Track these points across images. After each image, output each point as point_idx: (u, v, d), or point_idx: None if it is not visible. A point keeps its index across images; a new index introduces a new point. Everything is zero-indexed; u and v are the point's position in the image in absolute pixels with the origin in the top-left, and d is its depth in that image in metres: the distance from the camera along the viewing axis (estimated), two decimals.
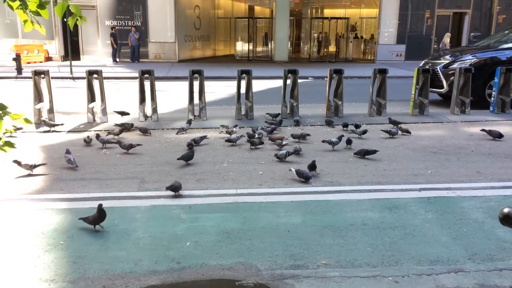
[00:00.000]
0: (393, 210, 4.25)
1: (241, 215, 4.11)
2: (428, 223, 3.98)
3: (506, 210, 1.50)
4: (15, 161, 5.23)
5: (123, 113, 8.34)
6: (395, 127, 7.05)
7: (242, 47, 26.23)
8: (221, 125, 7.80)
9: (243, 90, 8.58)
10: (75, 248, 3.49)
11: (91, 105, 8.25)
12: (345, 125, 7.77)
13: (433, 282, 3.07)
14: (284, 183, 5.02)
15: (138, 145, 6.34)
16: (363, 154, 6.03)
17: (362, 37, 27.28)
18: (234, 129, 7.44)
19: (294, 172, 5.07)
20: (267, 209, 4.27)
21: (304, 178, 5.00)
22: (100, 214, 3.74)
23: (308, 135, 7.08)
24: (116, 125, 7.63)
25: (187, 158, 5.72)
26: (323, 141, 6.59)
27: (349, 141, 6.56)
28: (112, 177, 5.20)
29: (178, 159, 5.70)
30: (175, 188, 4.54)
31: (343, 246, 3.56)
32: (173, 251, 3.46)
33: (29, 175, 5.18)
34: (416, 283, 3.05)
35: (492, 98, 9.28)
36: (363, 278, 3.11)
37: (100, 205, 3.76)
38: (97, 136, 6.68)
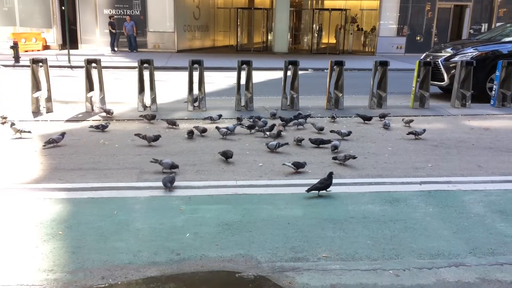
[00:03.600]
0: (393, 203, 4.23)
1: (241, 207, 4.08)
2: (428, 216, 3.96)
3: None
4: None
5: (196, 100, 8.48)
6: (422, 129, 7.00)
7: (241, 37, 26.08)
8: (237, 118, 7.55)
9: (243, 81, 8.52)
10: (74, 238, 3.46)
11: (89, 94, 8.18)
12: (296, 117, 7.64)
13: (434, 276, 3.05)
14: (284, 175, 4.99)
15: (62, 134, 6.07)
16: (319, 143, 6.07)
17: (362, 29, 27.12)
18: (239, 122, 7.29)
19: (290, 165, 5.03)
20: (267, 201, 4.24)
21: (297, 167, 5.01)
22: (330, 179, 4.32)
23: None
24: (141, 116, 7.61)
25: (226, 155, 5.43)
26: (408, 133, 6.65)
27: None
28: (110, 167, 5.16)
29: (219, 152, 5.50)
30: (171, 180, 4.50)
31: (344, 239, 3.54)
32: (172, 242, 3.43)
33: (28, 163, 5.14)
34: (417, 277, 3.03)
35: (493, 92, 9.24)
36: (364, 271, 3.09)
37: (331, 173, 4.40)
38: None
